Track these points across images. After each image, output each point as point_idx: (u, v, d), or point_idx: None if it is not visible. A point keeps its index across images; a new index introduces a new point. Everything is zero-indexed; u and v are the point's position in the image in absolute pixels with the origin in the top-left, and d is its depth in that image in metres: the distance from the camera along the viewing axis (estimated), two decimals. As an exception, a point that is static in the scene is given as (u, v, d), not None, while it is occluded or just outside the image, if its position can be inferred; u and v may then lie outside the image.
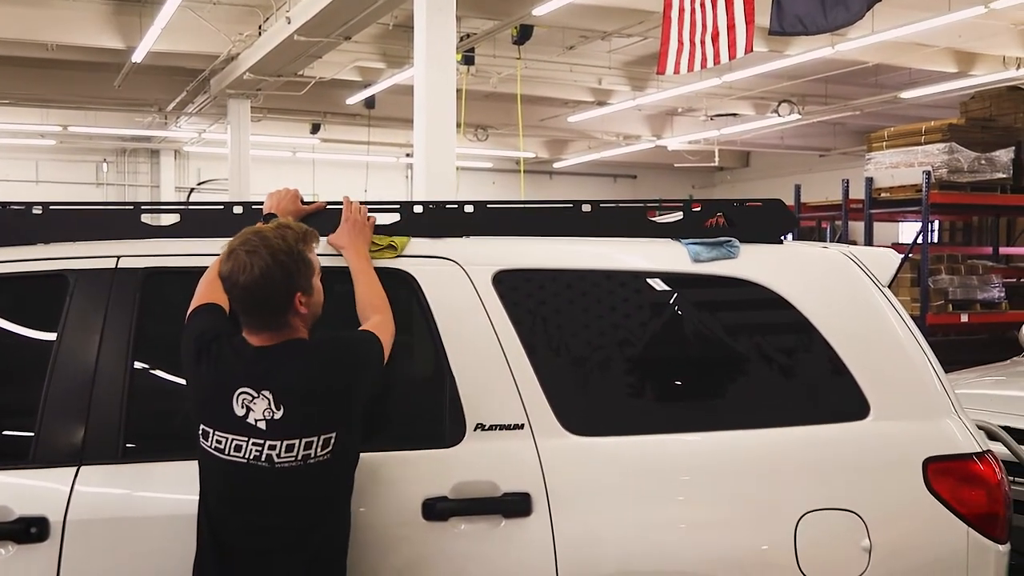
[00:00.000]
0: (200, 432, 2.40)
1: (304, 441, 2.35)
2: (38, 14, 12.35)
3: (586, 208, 2.98)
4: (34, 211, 2.85)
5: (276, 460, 2.34)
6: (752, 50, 7.57)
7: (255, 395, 2.36)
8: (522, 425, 2.66)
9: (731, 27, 7.39)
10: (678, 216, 3.02)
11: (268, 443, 2.34)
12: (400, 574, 2.56)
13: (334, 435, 2.38)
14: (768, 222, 3.02)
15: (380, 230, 2.84)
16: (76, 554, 2.46)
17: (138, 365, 2.69)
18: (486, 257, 2.83)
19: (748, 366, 2.85)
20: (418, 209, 2.91)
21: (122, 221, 2.89)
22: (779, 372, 2.85)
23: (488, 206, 2.97)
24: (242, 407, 2.36)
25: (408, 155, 20.26)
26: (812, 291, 2.87)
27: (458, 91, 8.95)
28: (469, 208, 2.93)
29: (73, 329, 2.66)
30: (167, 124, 18.61)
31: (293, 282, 2.40)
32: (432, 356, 2.73)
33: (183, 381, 2.53)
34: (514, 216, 3.04)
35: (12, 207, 2.85)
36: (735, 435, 2.73)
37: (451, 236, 2.88)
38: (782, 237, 3.04)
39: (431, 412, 2.73)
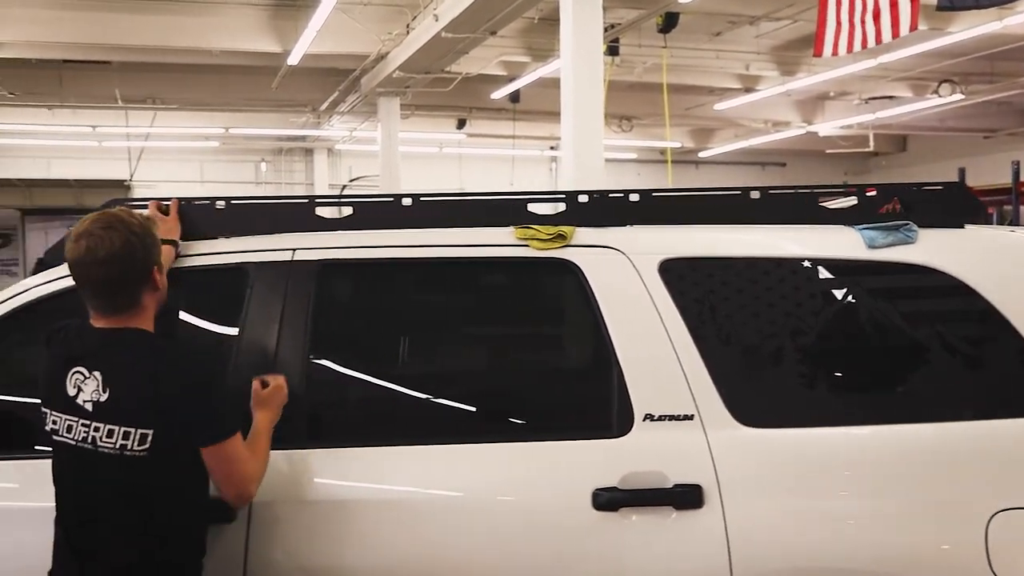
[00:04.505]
0: (42, 415, 2.40)
1: (122, 430, 2.29)
2: (204, 22, 13.01)
3: (754, 195, 2.91)
4: (217, 206, 2.99)
5: (99, 443, 2.31)
6: (916, 28, 7.23)
7: (87, 375, 2.33)
8: (692, 416, 2.62)
9: (893, 4, 7.06)
10: (852, 201, 2.91)
11: (94, 425, 2.31)
12: (573, 562, 2.56)
13: (151, 433, 2.29)
14: (949, 206, 2.88)
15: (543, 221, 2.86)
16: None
17: (315, 355, 2.78)
18: (651, 246, 2.80)
19: (930, 357, 2.71)
20: (583, 199, 2.90)
21: (299, 215, 3.00)
22: (964, 363, 2.70)
23: (654, 194, 2.94)
24: (74, 387, 2.34)
25: (552, 148, 20.31)
26: (999, 278, 2.72)
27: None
28: (635, 197, 2.90)
29: (254, 320, 2.77)
30: (320, 124, 19.27)
31: (151, 255, 2.41)
32: (599, 346, 2.72)
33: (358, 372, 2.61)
34: (680, 204, 2.99)
35: (195, 203, 2.99)
36: (916, 428, 2.62)
37: (615, 225, 2.87)
38: (964, 222, 2.89)
39: (599, 402, 2.71)
